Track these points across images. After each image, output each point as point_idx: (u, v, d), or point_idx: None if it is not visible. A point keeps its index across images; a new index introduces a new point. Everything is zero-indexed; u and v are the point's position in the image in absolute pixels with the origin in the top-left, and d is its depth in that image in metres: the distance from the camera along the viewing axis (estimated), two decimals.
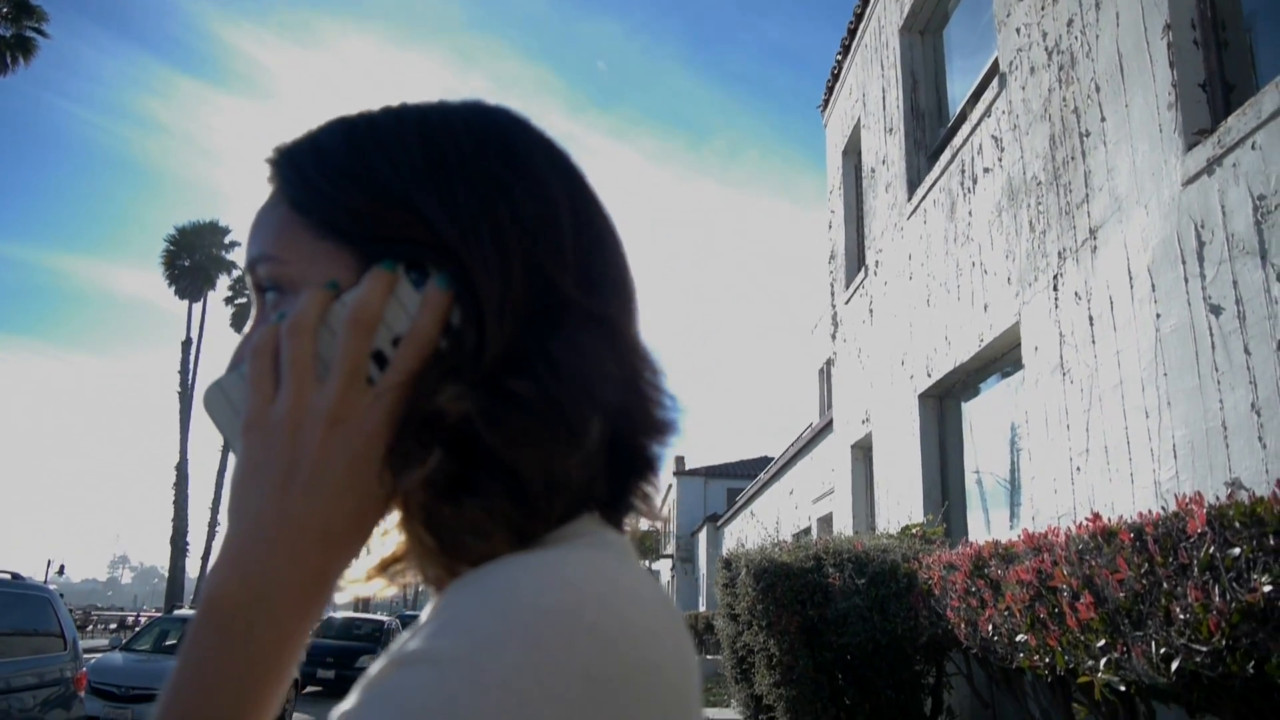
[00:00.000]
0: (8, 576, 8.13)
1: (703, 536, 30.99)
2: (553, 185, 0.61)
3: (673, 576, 36.78)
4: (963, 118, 7.35)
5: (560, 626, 0.44)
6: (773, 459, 22.60)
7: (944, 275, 7.19)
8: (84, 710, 8.85)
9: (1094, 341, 4.84)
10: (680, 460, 39.84)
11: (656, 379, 0.63)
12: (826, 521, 12.67)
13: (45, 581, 11.84)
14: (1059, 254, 5.30)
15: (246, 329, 0.63)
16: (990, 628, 3.60)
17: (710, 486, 35.99)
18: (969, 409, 7.31)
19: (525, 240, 0.58)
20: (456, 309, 0.57)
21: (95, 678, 10.58)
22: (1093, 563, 2.78)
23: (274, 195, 0.62)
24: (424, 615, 0.53)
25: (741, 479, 31.53)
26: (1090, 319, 4.89)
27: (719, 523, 28.50)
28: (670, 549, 37.56)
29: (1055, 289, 5.32)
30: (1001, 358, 6.49)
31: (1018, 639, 3.32)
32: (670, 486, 39.43)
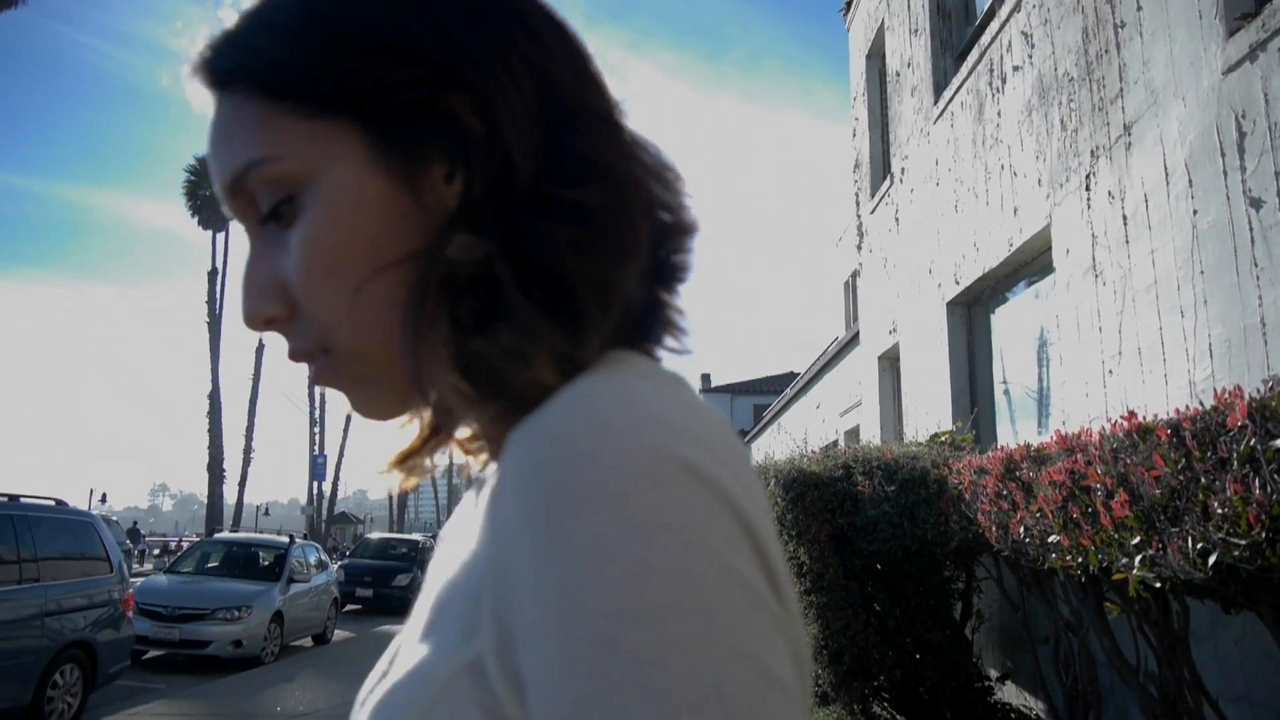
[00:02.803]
0: (52, 503, 8.33)
1: None
2: None
3: None
4: (991, 14, 7.10)
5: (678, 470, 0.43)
6: (798, 374, 22.59)
7: (972, 180, 7.04)
8: (134, 629, 9.15)
9: (1128, 241, 4.74)
10: (706, 378, 39.97)
11: (673, 173, 0.60)
12: (854, 434, 12.69)
13: (89, 509, 12.20)
14: (1091, 152, 5.16)
15: (249, 259, 0.58)
16: (1021, 530, 3.60)
17: (736, 403, 36.12)
18: (997, 316, 7.22)
19: (527, 45, 0.55)
20: (461, 151, 0.53)
21: (142, 599, 10.90)
22: (1128, 461, 2.75)
23: (232, 98, 0.56)
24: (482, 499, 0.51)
25: (768, 395, 31.60)
26: (1124, 218, 4.78)
27: (746, 439, 28.68)
28: None
29: (1088, 189, 5.19)
30: (1031, 262, 6.38)
31: (1050, 540, 3.31)
32: None
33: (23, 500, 7.88)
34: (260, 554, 13.94)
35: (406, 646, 0.54)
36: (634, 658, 0.38)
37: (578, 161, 0.53)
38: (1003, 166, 6.45)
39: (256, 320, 0.57)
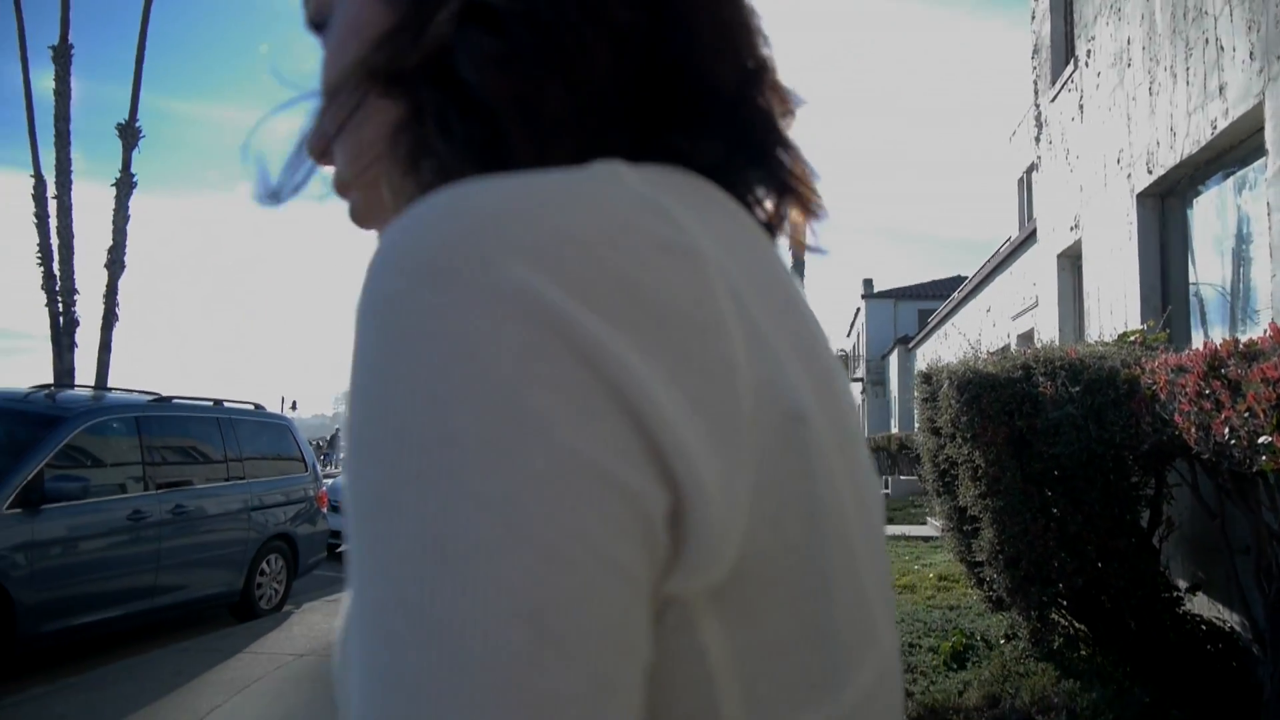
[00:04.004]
0: (251, 407, 8.96)
1: (893, 359, 30.57)
2: None
3: (863, 400, 36.73)
4: None
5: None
6: (966, 278, 21.74)
7: (1169, 58, 6.46)
8: (327, 524, 9.85)
9: None
10: (868, 283, 39.06)
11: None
12: (1027, 338, 12.15)
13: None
14: None
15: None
16: (1226, 431, 3.36)
17: (900, 308, 35.20)
18: (1195, 208, 6.68)
19: None
20: None
21: (334, 497, 11.68)
22: None
23: None
24: None
25: (933, 299, 30.62)
26: None
27: (910, 345, 27.96)
28: (860, 372, 37.36)
29: None
30: (1238, 146, 5.84)
31: (1260, 441, 3.08)
32: (858, 310, 38.83)
33: (226, 404, 8.51)
34: None
35: None
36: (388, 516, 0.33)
37: None
38: (1207, 41, 5.87)
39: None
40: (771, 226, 0.54)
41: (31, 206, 22.74)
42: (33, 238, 22.86)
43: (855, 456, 0.46)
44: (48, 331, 22.96)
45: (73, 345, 23.00)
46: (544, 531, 0.32)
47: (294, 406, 50.65)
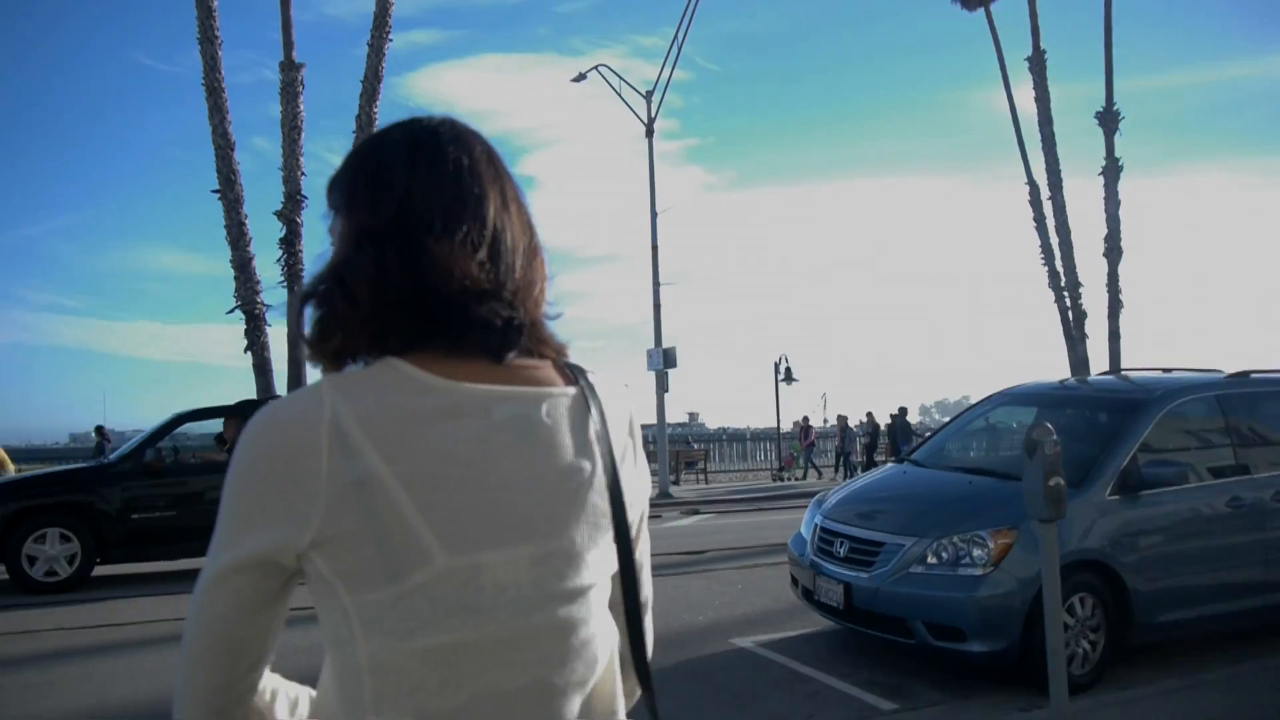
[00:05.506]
0: None
1: None
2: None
3: None
4: None
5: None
6: None
7: None
8: None
9: None
10: None
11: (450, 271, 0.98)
12: None
13: None
14: None
15: None
16: None
17: None
18: None
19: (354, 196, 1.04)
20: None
21: None
22: None
23: None
24: None
25: None
26: None
27: None
28: None
29: None
30: None
31: None
32: None
33: None
34: None
35: None
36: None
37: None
38: None
39: None
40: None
41: (1029, 212, 24.13)
42: (1033, 241, 24.21)
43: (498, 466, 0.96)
44: (1058, 326, 23.99)
45: (1083, 336, 23.63)
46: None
47: None
